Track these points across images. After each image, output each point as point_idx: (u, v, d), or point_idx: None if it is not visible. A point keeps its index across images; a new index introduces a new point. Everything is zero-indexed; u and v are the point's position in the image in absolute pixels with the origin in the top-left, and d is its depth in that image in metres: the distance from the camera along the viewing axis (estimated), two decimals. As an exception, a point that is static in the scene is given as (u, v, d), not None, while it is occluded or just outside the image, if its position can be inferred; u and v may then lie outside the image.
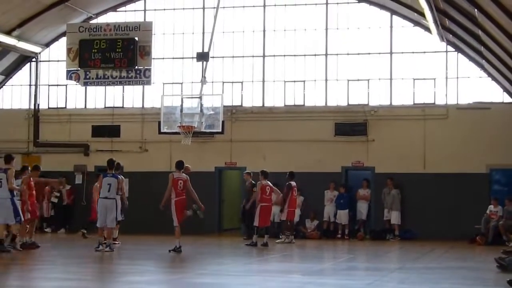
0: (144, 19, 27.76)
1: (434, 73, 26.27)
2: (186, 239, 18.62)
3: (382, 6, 26.48)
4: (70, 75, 26.18)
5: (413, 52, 26.45)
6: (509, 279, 9.25)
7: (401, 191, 25.45)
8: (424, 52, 26.37)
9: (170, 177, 18.40)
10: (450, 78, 26.16)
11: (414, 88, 26.40)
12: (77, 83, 26.60)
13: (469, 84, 26.08)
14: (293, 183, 22.85)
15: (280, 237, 23.15)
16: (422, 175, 25.67)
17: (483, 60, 24.83)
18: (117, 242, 20.39)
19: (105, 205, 18.34)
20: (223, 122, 24.34)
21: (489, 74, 25.70)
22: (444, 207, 25.36)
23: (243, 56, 27.60)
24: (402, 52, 26.53)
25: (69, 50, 25.99)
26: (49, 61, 29.12)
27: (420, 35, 26.25)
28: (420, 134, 25.95)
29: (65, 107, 28.88)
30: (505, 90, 25.60)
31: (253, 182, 22.72)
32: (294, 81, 27.21)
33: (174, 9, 28.18)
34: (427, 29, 24.47)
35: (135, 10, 28.35)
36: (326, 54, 26.98)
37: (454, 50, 25.99)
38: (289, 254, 19.82)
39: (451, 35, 24.72)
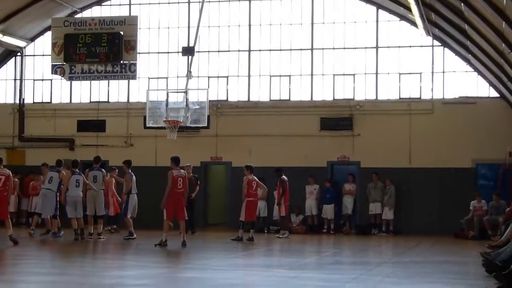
0: (130, 13, 27.68)
1: (420, 68, 26.32)
2: (171, 234, 18.56)
3: (368, 0, 26.50)
4: (55, 69, 25.98)
5: (399, 47, 26.48)
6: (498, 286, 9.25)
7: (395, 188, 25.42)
8: (410, 47, 26.41)
9: (170, 175, 18.24)
10: (436, 72, 26.22)
11: (400, 83, 26.45)
12: (62, 78, 26.42)
13: (455, 78, 26.15)
14: (286, 178, 22.79)
15: (283, 232, 23.01)
16: (407, 170, 25.72)
17: (469, 55, 24.89)
18: (102, 237, 20.36)
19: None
20: (208, 116, 24.28)
21: (475, 69, 25.75)
22: (430, 201, 25.43)
23: (228, 51, 27.56)
24: (388, 47, 26.56)
25: (54, 45, 25.78)
26: (34, 55, 29.00)
27: (406, 29, 26.30)
28: (406, 128, 25.99)
29: (50, 102, 28.78)
30: (491, 84, 25.68)
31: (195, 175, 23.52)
32: (280, 76, 27.19)
33: (159, 3, 28.12)
34: (413, 23, 24.52)
35: (120, 4, 28.28)
36: (312, 49, 26.97)
37: (440, 44, 26.04)
38: (274, 248, 19.80)
39: (437, 30, 24.76)
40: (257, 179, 21.57)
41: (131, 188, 20.67)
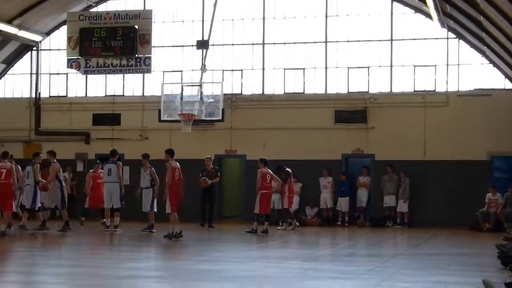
0: (144, 7, 27.73)
1: (434, 60, 26.22)
2: (187, 226, 18.66)
3: (383, -7, 26.44)
4: (70, 63, 26.14)
5: (413, 39, 26.40)
6: (507, 281, 9.25)
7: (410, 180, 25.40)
8: (425, 39, 26.33)
9: (169, 166, 18.36)
10: (451, 65, 26.12)
11: (415, 75, 26.38)
12: (78, 72, 26.57)
13: (470, 70, 26.04)
14: (290, 170, 22.91)
15: (281, 224, 23.16)
16: (422, 162, 25.68)
17: (485, 47, 24.78)
18: (118, 229, 20.48)
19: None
20: (223, 110, 24.35)
21: (491, 61, 25.64)
22: (445, 194, 25.38)
23: (242, 44, 27.58)
24: (403, 39, 26.48)
25: (69, 39, 25.93)
26: (49, 49, 29.14)
27: (421, 21, 26.20)
28: (420, 121, 25.93)
29: (66, 96, 28.92)
30: (507, 76, 25.56)
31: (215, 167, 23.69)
32: (294, 69, 27.19)
33: (174, -3, 28.17)
34: (428, 15, 24.46)
35: (134, -2, 28.36)
36: (326, 42, 26.95)
37: (455, 36, 25.94)
38: (289, 241, 19.87)
39: (452, 22, 24.66)
40: (271, 172, 21.62)
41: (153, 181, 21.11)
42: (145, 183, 21.07)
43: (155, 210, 20.78)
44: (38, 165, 20.86)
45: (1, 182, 18.72)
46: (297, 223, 23.30)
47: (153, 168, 21.03)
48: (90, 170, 24.28)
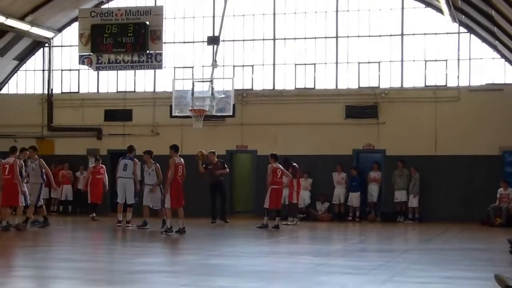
0: (155, 4, 27.78)
1: (446, 55, 26.19)
2: (199, 222, 18.74)
3: (393, -12, 26.41)
4: (82, 60, 26.28)
5: (424, 34, 26.37)
6: (507, 285, 9.24)
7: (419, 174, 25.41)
8: (436, 34, 26.29)
9: (172, 162, 18.48)
10: (462, 59, 26.08)
11: (426, 70, 26.35)
12: (90, 68, 26.71)
13: (482, 65, 25.99)
14: (296, 165, 23.01)
15: (291, 219, 23.18)
16: (433, 158, 25.67)
17: (496, 41, 24.72)
18: (130, 225, 20.56)
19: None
20: (234, 105, 24.41)
21: (502, 55, 25.57)
22: (456, 189, 25.37)
23: (253, 40, 27.63)
24: (414, 34, 26.46)
25: (81, 35, 26.06)
26: (61, 46, 29.28)
27: (432, 16, 26.17)
28: (431, 116, 25.90)
29: (78, 92, 29.07)
30: (518, 71, 25.51)
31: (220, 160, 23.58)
32: (305, 64, 27.21)
33: (184, -7, 28.22)
34: (439, 10, 24.42)
35: (145, -6, 28.42)
36: (336, 37, 26.95)
37: (466, 31, 25.89)
38: (300, 236, 19.91)
39: (463, 16, 24.61)
40: (282, 167, 21.67)
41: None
42: (150, 180, 20.49)
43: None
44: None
45: (5, 178, 18.85)
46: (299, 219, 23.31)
47: (157, 164, 20.62)
48: (90, 166, 24.50)
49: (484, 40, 25.67)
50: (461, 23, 25.55)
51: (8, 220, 18.84)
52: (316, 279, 11.00)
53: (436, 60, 26.27)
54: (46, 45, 29.13)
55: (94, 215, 23.32)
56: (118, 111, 28.31)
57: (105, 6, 27.93)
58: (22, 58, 29.20)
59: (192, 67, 27.99)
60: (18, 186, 18.80)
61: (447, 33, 26.15)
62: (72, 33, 28.44)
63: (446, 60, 26.18)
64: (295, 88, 27.23)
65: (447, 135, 25.69)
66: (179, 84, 25.35)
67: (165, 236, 17.98)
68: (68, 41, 28.98)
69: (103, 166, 24.13)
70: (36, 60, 29.54)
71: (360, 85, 26.73)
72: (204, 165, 23.06)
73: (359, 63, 26.79)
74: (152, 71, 27.62)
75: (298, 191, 23.19)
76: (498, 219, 23.50)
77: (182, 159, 18.87)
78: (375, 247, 17.18)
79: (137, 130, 27.93)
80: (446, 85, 26.18)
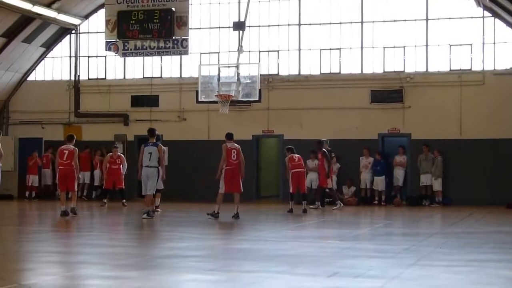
0: (181, -10, 27.91)
1: (470, 39, 26.13)
2: (225, 206, 18.93)
3: (418, -28, 26.34)
4: (109, 46, 26.44)
5: (449, 18, 26.32)
6: None
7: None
8: (461, 18, 26.23)
9: (224, 147, 18.73)
10: (486, 43, 26.02)
11: (450, 54, 26.32)
12: (116, 54, 26.88)
13: (506, 49, 25.91)
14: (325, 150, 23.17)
15: (337, 203, 23.28)
16: (458, 141, 25.70)
17: (521, 25, 24.64)
18: (158, 210, 20.80)
19: (146, 173, 18.47)
20: (260, 90, 24.49)
21: (527, 39, 25.49)
22: (481, 172, 25.40)
23: (279, 25, 27.72)
24: (438, 18, 26.42)
25: (107, 22, 26.22)
26: (88, 33, 29.58)
27: (456, 0, 26.09)
28: (456, 100, 25.91)
29: (105, 78, 29.36)
30: (543, 54, 25.40)
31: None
32: (330, 49, 27.28)
33: (210, -22, 28.33)
34: (464, -6, 24.32)
35: (171, -19, 28.51)
36: (361, 22, 26.98)
37: (491, 15, 25.81)
38: (326, 220, 20.07)
39: (488, 0, 24.53)
40: (299, 156, 21.76)
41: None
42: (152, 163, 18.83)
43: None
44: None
45: (63, 163, 19.30)
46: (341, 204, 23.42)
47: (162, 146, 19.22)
48: (108, 154, 24.69)
49: (508, 24, 25.58)
50: (486, 7, 25.47)
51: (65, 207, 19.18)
52: (342, 262, 11.14)
53: (460, 44, 26.22)
54: (73, 32, 29.44)
55: (105, 201, 23.67)
56: (145, 97, 28.57)
57: (131, -8, 28.05)
58: (49, 45, 29.53)
59: (218, 53, 28.16)
60: (76, 172, 19.29)
61: (472, 17, 26.08)
62: (98, 19, 28.71)
63: (471, 44, 26.13)
64: (321, 73, 27.32)
65: (472, 119, 25.69)
66: (205, 70, 25.48)
67: (212, 220, 18.10)
68: (94, 28, 29.26)
69: (121, 155, 24.40)
70: (63, 47, 29.86)
71: (385, 70, 26.76)
72: None
73: (384, 47, 26.81)
74: (178, 57, 27.81)
75: (330, 175, 23.28)
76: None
77: (236, 144, 18.97)
78: (401, 231, 17.27)
79: (164, 116, 28.19)
80: (471, 69, 26.14)
